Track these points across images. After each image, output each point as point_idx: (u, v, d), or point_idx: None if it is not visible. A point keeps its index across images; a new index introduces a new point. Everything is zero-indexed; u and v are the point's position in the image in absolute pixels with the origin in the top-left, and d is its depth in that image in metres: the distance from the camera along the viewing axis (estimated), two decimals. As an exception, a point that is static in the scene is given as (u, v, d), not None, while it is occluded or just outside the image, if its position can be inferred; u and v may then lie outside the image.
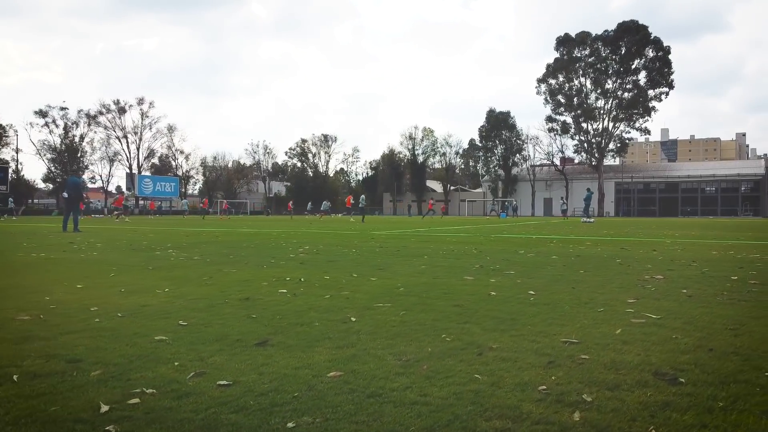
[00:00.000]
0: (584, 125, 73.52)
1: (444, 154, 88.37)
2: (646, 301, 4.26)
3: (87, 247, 9.87)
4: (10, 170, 65.90)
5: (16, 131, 79.68)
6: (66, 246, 10.06)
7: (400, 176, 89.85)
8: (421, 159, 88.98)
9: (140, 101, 74.62)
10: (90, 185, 78.66)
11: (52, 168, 69.61)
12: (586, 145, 74.23)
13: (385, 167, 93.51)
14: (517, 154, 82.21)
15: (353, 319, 3.57)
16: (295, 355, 2.72)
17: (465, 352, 2.78)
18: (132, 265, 6.92)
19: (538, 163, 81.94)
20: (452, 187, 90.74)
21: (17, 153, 65.96)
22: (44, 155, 68.60)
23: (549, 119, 75.74)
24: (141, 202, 76.46)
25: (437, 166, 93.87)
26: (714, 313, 3.78)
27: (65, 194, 17.14)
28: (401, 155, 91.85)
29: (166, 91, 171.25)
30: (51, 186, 71.71)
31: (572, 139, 75.71)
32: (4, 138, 64.65)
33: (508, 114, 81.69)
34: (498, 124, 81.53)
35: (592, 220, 32.99)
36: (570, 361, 2.60)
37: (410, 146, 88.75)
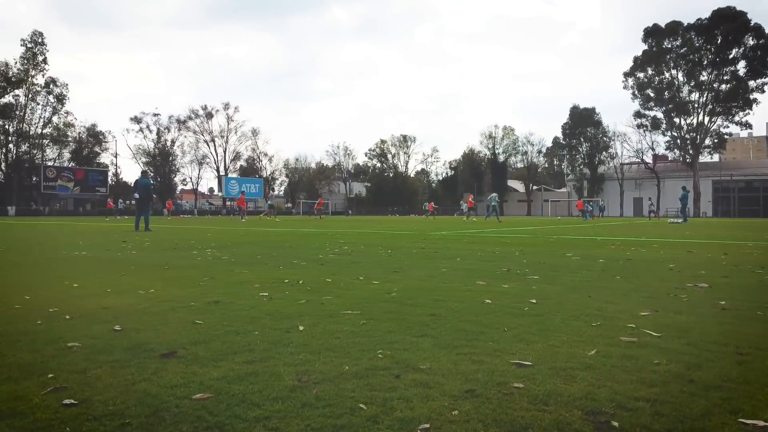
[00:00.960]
0: (677, 120, 69.16)
1: (525, 153, 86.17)
2: (662, 315, 3.63)
3: (133, 246, 10.09)
4: (110, 173, 70.64)
5: (114, 137, 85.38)
6: (115, 245, 10.33)
7: (480, 176, 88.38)
8: (501, 158, 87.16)
9: (226, 106, 77.82)
10: (181, 187, 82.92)
11: (147, 171, 73.78)
12: (679, 141, 69.83)
13: (464, 167, 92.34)
14: (604, 152, 78.78)
15: (301, 328, 3.22)
16: (190, 369, 2.41)
17: (384, 373, 2.36)
18: (151, 264, 6.90)
19: (626, 161, 78.03)
20: (535, 187, 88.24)
21: (116, 157, 70.45)
22: (139, 159, 72.90)
23: (637, 115, 71.92)
24: (228, 203, 79.71)
25: (519, 165, 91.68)
26: (737, 332, 3.13)
27: (136, 195, 17.88)
28: (481, 155, 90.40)
29: (253, 96, 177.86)
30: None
31: (663, 135, 71.54)
32: (103, 143, 69.23)
33: (593, 110, 78.43)
34: (582, 121, 78.42)
35: (681, 220, 30.77)
36: (496, 391, 2.13)
37: (490, 145, 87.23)
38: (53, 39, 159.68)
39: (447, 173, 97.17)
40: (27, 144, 61.32)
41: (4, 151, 60.11)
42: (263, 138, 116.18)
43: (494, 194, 36.10)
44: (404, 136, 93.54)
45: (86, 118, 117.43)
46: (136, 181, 18.37)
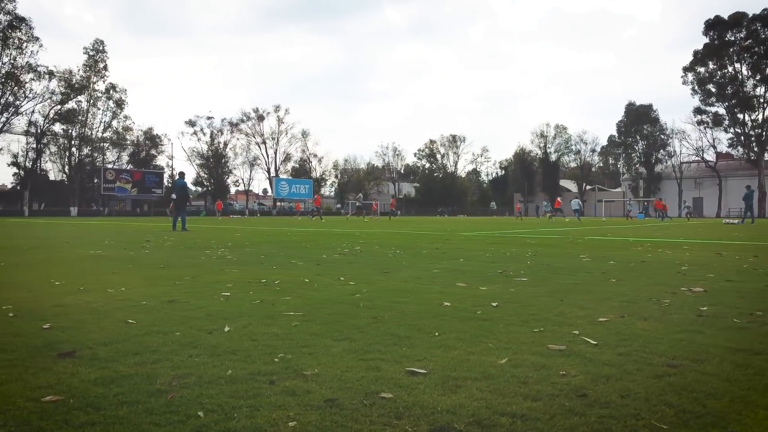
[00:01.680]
0: (740, 116, 65.78)
1: (578, 151, 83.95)
2: (622, 321, 3.37)
3: (153, 246, 10.29)
4: (166, 175, 72.98)
5: (170, 140, 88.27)
6: (137, 244, 10.57)
7: (531, 176, 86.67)
8: (553, 158, 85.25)
9: (277, 108, 79.00)
10: (235, 188, 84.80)
11: (201, 173, 75.89)
12: (742, 138, 66.39)
13: (515, 167, 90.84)
14: (661, 150, 75.82)
15: (226, 329, 3.14)
16: (74, 370, 2.36)
17: (263, 378, 2.25)
18: (150, 263, 7.00)
19: (685, 160, 74.84)
20: (588, 187, 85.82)
21: (171, 159, 72.82)
22: (194, 161, 75.01)
23: (697, 111, 68.75)
24: (278, 204, 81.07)
25: (573, 165, 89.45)
26: (688, 340, 2.87)
27: (173, 196, 18.34)
28: (532, 154, 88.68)
29: (306, 98, 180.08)
30: (200, 189, 78.22)
31: (726, 132, 68.11)
32: (159, 146, 71.60)
33: (649, 107, 75.63)
34: (638, 119, 75.74)
35: (737, 221, 29.20)
36: (358, 401, 1.98)
37: (542, 144, 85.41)
38: (117, 46, 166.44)
39: (497, 173, 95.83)
40: (88, 147, 64.06)
41: (67, 154, 62.99)
42: (313, 139, 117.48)
43: (576, 199, 40.34)
44: (453, 136, 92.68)
45: (143, 121, 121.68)
46: (174, 182, 18.83)
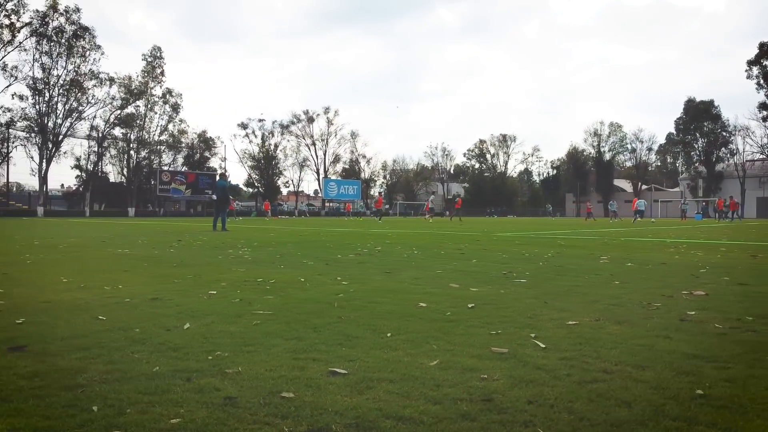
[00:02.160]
0: (809, 111, 62.29)
1: (634, 150, 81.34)
2: (595, 325, 3.25)
3: (183, 245, 10.57)
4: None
5: (223, 142, 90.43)
6: (167, 244, 10.88)
7: (584, 176, 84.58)
8: (607, 157, 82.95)
9: (326, 110, 79.89)
10: (288, 189, 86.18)
11: (252, 174, 77.52)
12: (812, 134, 62.84)
13: (568, 166, 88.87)
14: (723, 148, 72.62)
15: (186, 326, 3.20)
16: (12, 363, 2.45)
17: (182, 376, 2.27)
18: (166, 262, 7.20)
19: (749, 158, 71.42)
20: (644, 187, 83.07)
21: (223, 161, 74.67)
22: (245, 162, 76.69)
23: (763, 106, 65.47)
24: (327, 204, 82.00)
25: (628, 164, 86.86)
26: (647, 346, 2.74)
27: (214, 196, 18.80)
28: (586, 153, 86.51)
29: (358, 99, 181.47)
30: (251, 190, 79.94)
31: (794, 128, 64.64)
32: (213, 148, 73.54)
33: (710, 103, 72.53)
34: (699, 115, 72.77)
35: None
36: (257, 401, 1.98)
37: (595, 143, 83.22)
38: (176, 52, 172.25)
39: (548, 173, 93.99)
40: (146, 150, 66.49)
41: (126, 157, 65.59)
42: (362, 140, 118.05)
43: (642, 200, 40.67)
44: (504, 136, 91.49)
45: (198, 124, 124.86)
46: (215, 182, 19.31)
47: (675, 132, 76.47)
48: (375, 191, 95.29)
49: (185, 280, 5.30)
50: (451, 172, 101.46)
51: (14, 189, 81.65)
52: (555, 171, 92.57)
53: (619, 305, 3.93)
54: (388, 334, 2.99)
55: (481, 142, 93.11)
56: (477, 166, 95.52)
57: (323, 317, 3.48)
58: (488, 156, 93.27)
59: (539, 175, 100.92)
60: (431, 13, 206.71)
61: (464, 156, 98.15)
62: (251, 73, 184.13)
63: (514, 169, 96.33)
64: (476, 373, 2.28)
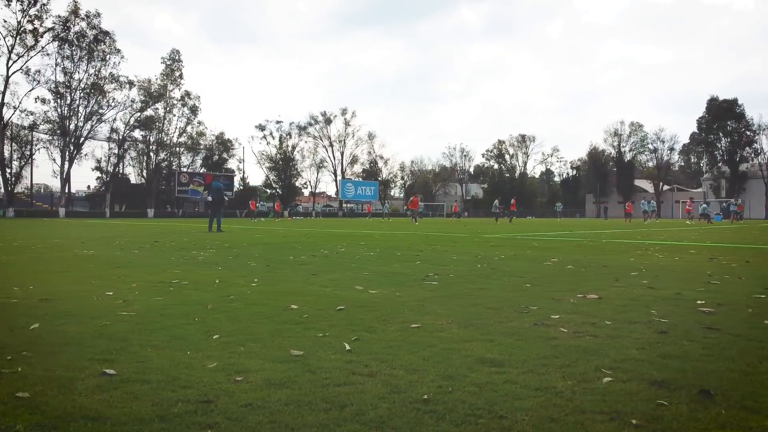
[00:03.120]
0: (836, 109, 60.52)
1: (655, 150, 79.95)
2: (439, 327, 3.24)
3: (156, 247, 10.75)
4: (238, 178, 75.82)
5: (241, 143, 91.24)
6: (143, 244, 11.07)
7: (604, 176, 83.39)
8: (628, 157, 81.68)
9: (343, 111, 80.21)
10: (308, 190, 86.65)
11: (270, 176, 78.23)
12: (839, 133, 61.08)
13: (588, 167, 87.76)
14: (747, 148, 70.96)
15: (33, 326, 3.27)
16: None
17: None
18: (114, 263, 7.34)
19: (774, 158, 69.70)
20: (666, 187, 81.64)
21: (241, 163, 75.57)
22: (263, 164, 77.41)
23: (788, 105, 63.89)
24: (345, 205, 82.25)
25: (650, 164, 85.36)
26: (458, 353, 2.73)
27: (209, 198, 19.05)
28: (606, 153, 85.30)
29: (381, 100, 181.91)
30: (268, 191, 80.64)
31: (820, 126, 62.90)
32: (231, 150, 74.37)
33: (734, 102, 70.95)
34: (722, 114, 71.25)
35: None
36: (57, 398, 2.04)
37: (615, 143, 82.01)
38: (199, 54, 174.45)
39: (568, 173, 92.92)
40: (164, 152, 67.60)
41: (145, 159, 66.74)
42: (379, 141, 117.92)
43: (704, 205, 41.14)
44: (523, 136, 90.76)
45: (216, 126, 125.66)
46: (210, 184, 19.57)
47: (697, 131, 74.98)
48: (396, 192, 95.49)
49: (107, 281, 5.40)
50: (471, 172, 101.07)
51: (42, 190, 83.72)
52: (575, 171, 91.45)
53: (494, 308, 3.91)
54: (215, 336, 3.03)
55: (500, 142, 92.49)
56: (496, 166, 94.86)
57: (177, 319, 3.53)
58: (507, 156, 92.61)
59: (560, 175, 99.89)
60: (454, 14, 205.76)
61: (483, 156, 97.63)
62: (273, 75, 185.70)
63: (533, 169, 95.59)
64: (234, 375, 2.31)
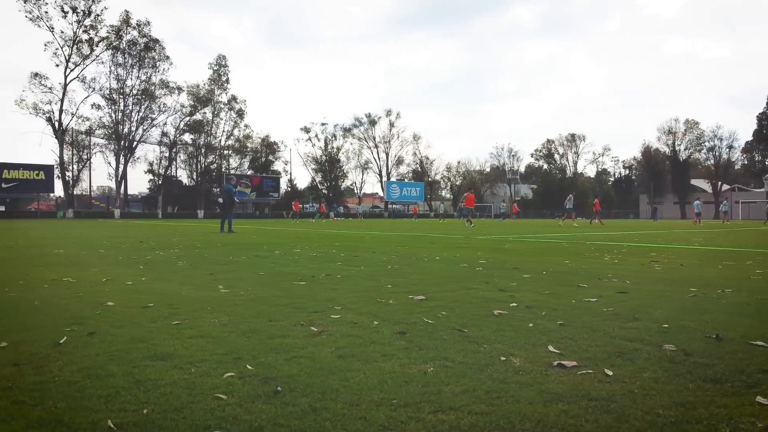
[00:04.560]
0: None
1: (712, 148, 76.44)
2: (213, 325, 3.31)
3: (128, 246, 11.19)
4: (285, 180, 77.26)
5: (286, 145, 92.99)
6: (119, 244, 11.53)
7: (658, 176, 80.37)
8: (683, 156, 78.44)
9: (388, 113, 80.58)
10: (362, 192, 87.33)
11: (316, 177, 79.44)
12: None
13: (643, 166, 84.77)
14: (812, 145, 66.86)
15: None
16: None
17: None
18: (59, 262, 7.71)
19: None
20: (726, 187, 77.88)
21: (286, 164, 77.05)
22: (308, 166, 78.66)
23: None
24: (391, 206, 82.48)
25: (709, 162, 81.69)
26: (212, 351, 2.79)
27: (220, 199, 19.58)
28: (662, 152, 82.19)
29: (432, 101, 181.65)
30: (313, 193, 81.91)
31: None
32: (277, 152, 75.95)
33: (798, 96, 66.86)
34: (785, 109, 67.40)
35: None
36: None
37: (669, 141, 78.91)
38: (254, 59, 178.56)
39: (620, 173, 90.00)
40: (213, 155, 69.76)
41: (195, 161, 69.13)
42: (425, 142, 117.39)
43: (697, 202, 40.47)
44: (572, 135, 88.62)
45: (264, 129, 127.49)
46: (222, 186, 20.10)
47: (758, 128, 71.19)
48: (445, 192, 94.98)
49: (14, 282, 5.71)
50: (522, 172, 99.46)
51: (105, 191, 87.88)
52: (627, 171, 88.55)
53: (300, 308, 3.93)
54: (74, 328, 3.21)
55: (549, 141, 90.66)
56: (545, 167, 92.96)
57: (42, 309, 3.75)
58: (556, 156, 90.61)
59: (613, 175, 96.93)
60: (508, 11, 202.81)
61: (531, 156, 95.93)
62: (326, 78, 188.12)
63: (583, 169, 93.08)
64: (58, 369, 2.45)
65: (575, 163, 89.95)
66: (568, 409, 1.96)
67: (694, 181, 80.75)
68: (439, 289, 4.86)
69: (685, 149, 78.67)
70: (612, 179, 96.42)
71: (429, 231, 19.89)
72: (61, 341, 2.90)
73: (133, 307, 3.95)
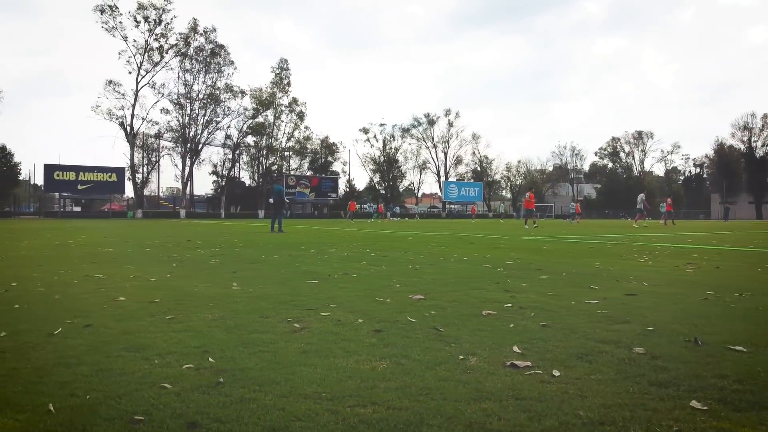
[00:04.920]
0: None
1: (792, 144, 71.95)
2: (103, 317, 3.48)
3: (180, 244, 11.68)
4: (344, 180, 78.13)
5: (345, 146, 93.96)
6: (160, 240, 12.06)
7: (731, 174, 76.37)
8: (760, 153, 74.16)
9: (447, 112, 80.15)
10: (422, 192, 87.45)
11: (374, 177, 79.92)
12: None
13: (716, 164, 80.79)
14: None
15: None
16: None
17: None
18: (24, 262, 8.18)
19: None
20: (808, 185, 73.17)
21: (344, 165, 77.87)
22: (367, 166, 79.26)
23: None
24: (450, 206, 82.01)
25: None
26: (184, 341, 2.96)
27: (271, 200, 20.10)
28: (736, 149, 78.07)
29: (494, 100, 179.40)
30: (372, 193, 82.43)
31: None
32: (336, 153, 76.87)
33: None
34: None
35: None
36: None
37: (745, 138, 74.78)
38: (316, 60, 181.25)
39: (691, 172, 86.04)
40: (274, 156, 71.39)
41: (256, 163, 70.94)
42: (484, 142, 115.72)
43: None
44: (639, 132, 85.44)
45: (322, 130, 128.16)
46: (272, 187, 20.62)
47: None
48: (505, 192, 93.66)
49: (70, 273, 6.12)
50: (587, 171, 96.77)
51: (174, 192, 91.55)
52: (698, 169, 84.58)
53: (297, 305, 4.05)
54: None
55: (614, 139, 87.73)
56: (610, 165, 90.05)
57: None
58: (622, 154, 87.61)
59: (684, 173, 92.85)
60: (575, 6, 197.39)
61: (595, 155, 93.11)
62: (387, 79, 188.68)
63: (651, 167, 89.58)
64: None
65: (642, 162, 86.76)
66: (489, 407, 1.98)
67: (771, 180, 76.26)
68: (445, 290, 4.88)
69: (762, 146, 74.42)
70: (682, 178, 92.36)
71: (479, 231, 19.72)
72: (56, 332, 3.13)
73: (140, 303, 4.17)
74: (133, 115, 60.05)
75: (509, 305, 4.06)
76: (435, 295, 4.57)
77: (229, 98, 65.84)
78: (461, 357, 2.66)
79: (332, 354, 2.72)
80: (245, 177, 74.44)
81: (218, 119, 65.78)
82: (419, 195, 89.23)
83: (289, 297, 4.46)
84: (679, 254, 8.96)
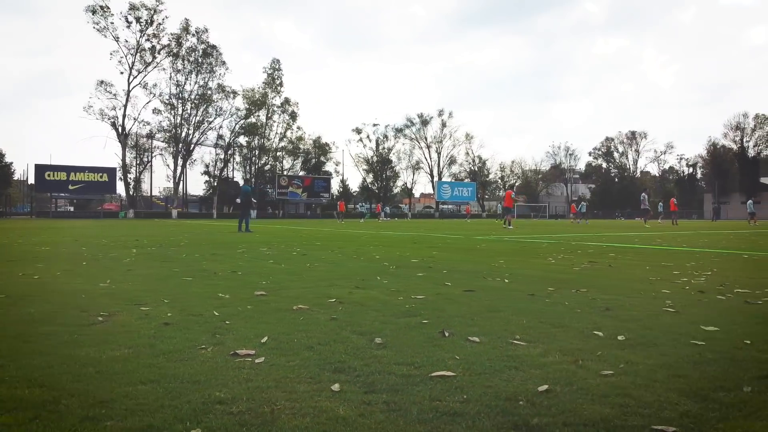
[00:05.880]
0: None
1: (784, 144, 72.03)
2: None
3: (125, 243, 11.92)
4: (337, 180, 78.34)
5: (338, 146, 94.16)
6: (113, 241, 12.30)
7: (724, 174, 76.45)
8: (752, 153, 74.25)
9: (440, 113, 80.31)
10: (421, 192, 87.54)
11: (366, 177, 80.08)
12: None
13: (709, 164, 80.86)
14: None
15: None
16: None
17: None
18: (64, 259, 8.42)
19: None
20: (800, 186, 73.22)
21: (337, 165, 78.09)
22: (360, 166, 79.45)
23: None
24: (443, 206, 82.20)
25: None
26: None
27: (238, 200, 20.34)
28: (729, 149, 78.13)
29: (493, 100, 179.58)
30: (366, 194, 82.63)
31: None
32: (328, 153, 77.06)
33: None
34: None
35: None
36: None
37: (737, 138, 74.87)
38: (315, 61, 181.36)
39: (683, 172, 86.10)
40: (266, 156, 71.63)
41: (249, 163, 71.18)
42: (478, 142, 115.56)
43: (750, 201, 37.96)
44: (633, 132, 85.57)
45: (314, 131, 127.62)
46: (240, 187, 20.85)
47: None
48: (501, 192, 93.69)
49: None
50: (582, 171, 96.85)
51: (169, 193, 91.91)
52: (691, 169, 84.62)
53: (130, 300, 4.28)
54: None
55: (608, 139, 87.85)
56: (604, 165, 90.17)
57: None
58: (616, 155, 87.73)
59: (678, 173, 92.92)
60: (576, 6, 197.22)
61: (590, 155, 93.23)
62: (386, 79, 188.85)
63: (644, 167, 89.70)
64: None
65: (635, 162, 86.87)
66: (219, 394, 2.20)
67: (764, 179, 76.28)
68: (295, 285, 5.12)
69: (754, 146, 74.49)
70: (676, 177, 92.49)
71: (451, 231, 19.91)
72: None
73: (-12, 298, 4.41)
74: (124, 116, 60.37)
75: (332, 300, 4.28)
76: (280, 291, 4.78)
77: (221, 98, 66.16)
78: (203, 347, 2.88)
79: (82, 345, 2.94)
80: (238, 177, 74.72)
81: (210, 119, 66.11)
82: (417, 195, 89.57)
83: (140, 293, 4.68)
84: (594, 254, 9.17)
